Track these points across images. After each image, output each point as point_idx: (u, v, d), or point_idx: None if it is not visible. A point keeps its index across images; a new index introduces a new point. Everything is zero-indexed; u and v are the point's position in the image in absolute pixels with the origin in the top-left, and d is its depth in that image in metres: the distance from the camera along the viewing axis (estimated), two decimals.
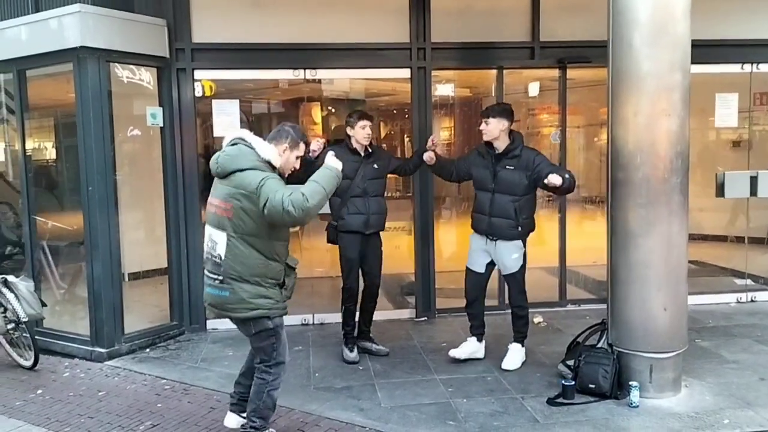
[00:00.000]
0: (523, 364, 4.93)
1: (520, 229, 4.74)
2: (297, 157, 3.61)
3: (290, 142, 3.55)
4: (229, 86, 6.53)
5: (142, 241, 6.63)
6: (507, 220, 4.71)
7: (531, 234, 4.91)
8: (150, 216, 6.54)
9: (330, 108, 7.88)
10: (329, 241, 5.13)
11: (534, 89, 7.24)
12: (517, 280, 4.86)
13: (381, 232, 5.16)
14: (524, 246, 4.84)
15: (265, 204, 3.27)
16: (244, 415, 3.71)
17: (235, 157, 3.43)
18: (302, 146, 3.61)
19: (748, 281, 6.87)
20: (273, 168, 3.48)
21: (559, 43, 6.22)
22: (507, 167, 4.71)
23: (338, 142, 5.42)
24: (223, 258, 3.41)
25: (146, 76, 5.71)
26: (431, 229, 6.27)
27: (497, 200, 4.73)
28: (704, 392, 4.35)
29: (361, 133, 4.94)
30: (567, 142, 6.53)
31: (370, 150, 5.04)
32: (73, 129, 5.42)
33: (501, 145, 4.74)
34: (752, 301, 6.64)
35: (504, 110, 4.76)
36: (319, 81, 6.58)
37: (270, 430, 3.69)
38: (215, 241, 3.45)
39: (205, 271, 3.56)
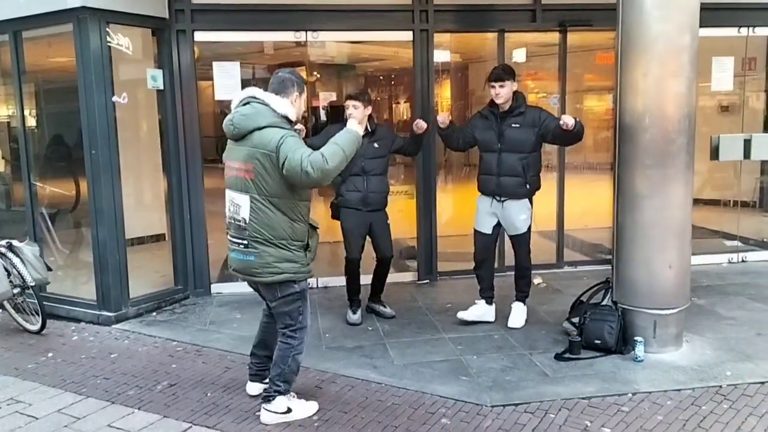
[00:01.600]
0: (525, 321, 5.05)
1: (528, 186, 4.82)
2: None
3: (298, 89, 3.49)
4: (216, 50, 6.36)
5: (141, 207, 6.59)
6: (516, 178, 4.78)
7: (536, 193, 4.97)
8: (149, 181, 6.49)
9: (320, 73, 7.80)
10: (333, 217, 5.19)
11: (520, 55, 7.23)
12: (526, 240, 4.93)
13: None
14: (531, 206, 4.91)
15: (284, 163, 3.23)
16: (266, 381, 3.77)
17: (251, 115, 3.34)
18: (305, 88, 3.57)
19: (738, 243, 7.06)
20: (290, 122, 3.43)
21: (561, 6, 6.22)
22: (513, 125, 4.78)
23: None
24: (247, 221, 3.37)
25: (126, 42, 5.43)
26: (433, 194, 6.32)
27: (505, 159, 4.79)
28: (705, 347, 4.50)
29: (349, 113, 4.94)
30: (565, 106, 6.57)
31: (370, 129, 4.99)
32: (67, 93, 5.32)
33: (507, 104, 4.80)
34: (743, 261, 6.84)
35: (512, 72, 4.84)
36: (306, 44, 6.40)
37: (291, 393, 3.72)
38: (238, 204, 3.39)
39: (229, 236, 3.51)
